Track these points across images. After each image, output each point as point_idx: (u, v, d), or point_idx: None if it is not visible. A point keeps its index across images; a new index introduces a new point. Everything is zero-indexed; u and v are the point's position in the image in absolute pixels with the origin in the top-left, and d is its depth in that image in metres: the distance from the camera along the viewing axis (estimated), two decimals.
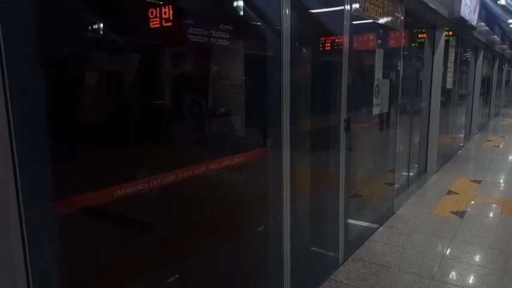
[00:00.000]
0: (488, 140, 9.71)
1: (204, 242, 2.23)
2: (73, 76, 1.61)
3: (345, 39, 3.10)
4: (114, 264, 1.79)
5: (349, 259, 3.40)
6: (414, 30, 5.94)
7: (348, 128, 3.18)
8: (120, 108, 1.82)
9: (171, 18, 1.84)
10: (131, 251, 1.86)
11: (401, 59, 4.48)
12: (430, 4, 4.91)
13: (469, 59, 9.34)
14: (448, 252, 3.53)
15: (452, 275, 3.15)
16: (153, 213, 1.94)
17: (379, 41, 4.02)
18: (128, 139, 1.81)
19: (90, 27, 1.69)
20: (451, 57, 6.81)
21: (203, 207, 2.21)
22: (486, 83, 12.13)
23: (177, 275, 2.12)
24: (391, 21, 4.00)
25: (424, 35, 6.07)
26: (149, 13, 1.82)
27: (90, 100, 1.71)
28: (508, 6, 11.79)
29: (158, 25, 1.85)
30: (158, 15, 1.83)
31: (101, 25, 1.70)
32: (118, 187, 1.63)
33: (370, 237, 3.86)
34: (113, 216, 1.74)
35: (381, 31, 4.05)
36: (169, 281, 2.09)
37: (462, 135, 9.08)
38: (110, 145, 1.73)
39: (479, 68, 10.22)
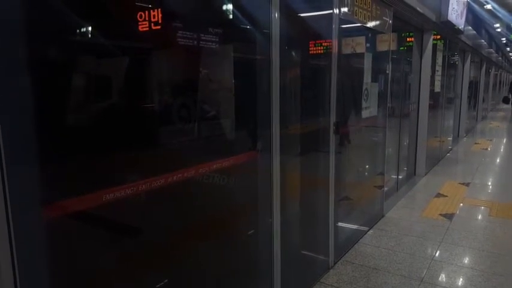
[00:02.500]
0: (476, 143, 9.82)
1: (194, 245, 2.22)
2: (61, 79, 1.59)
3: (334, 43, 3.11)
4: (102, 269, 1.77)
5: (339, 262, 3.41)
6: (402, 34, 5.99)
7: (337, 131, 3.19)
8: (108, 112, 1.80)
9: (160, 21, 1.84)
10: (119, 256, 1.84)
11: (390, 62, 4.51)
12: (418, 8, 4.96)
13: (457, 62, 9.45)
14: (437, 255, 3.56)
15: (442, 277, 3.17)
16: (141, 217, 1.92)
17: (368, 45, 4.05)
18: (116, 143, 1.80)
19: (78, 30, 1.68)
20: (439, 60, 6.88)
21: (193, 210, 2.20)
22: (474, 86, 12.28)
23: (166, 280, 2.10)
24: (380, 25, 4.03)
25: (412, 39, 6.13)
26: (138, 16, 1.82)
27: (80, 103, 1.70)
28: (494, 11, 11.98)
29: (147, 28, 1.84)
30: (147, 19, 1.83)
31: (89, 28, 1.69)
32: (107, 191, 1.62)
33: (360, 240, 3.87)
34: (102, 221, 1.72)
35: (370, 35, 4.08)
36: (158, 286, 2.07)
37: (450, 138, 9.17)
38: (99, 149, 1.71)
39: (467, 71, 10.35)
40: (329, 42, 3.12)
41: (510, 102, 17.70)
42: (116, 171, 1.78)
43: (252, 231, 2.68)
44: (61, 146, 1.55)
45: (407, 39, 6.09)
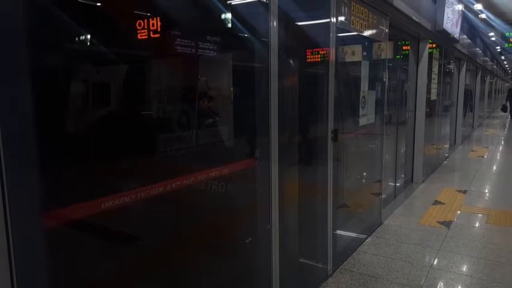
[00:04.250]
0: (472, 150, 9.85)
1: (191, 253, 2.21)
2: (63, 87, 1.60)
3: (331, 51, 3.14)
4: (100, 278, 1.76)
5: (337, 270, 3.40)
6: (399, 43, 6.04)
7: (335, 139, 3.20)
8: (108, 119, 1.81)
9: (159, 30, 1.85)
10: (116, 264, 1.83)
11: (387, 70, 4.54)
12: (414, 17, 5.01)
13: (453, 70, 9.52)
14: (435, 262, 3.56)
15: (440, 285, 3.17)
16: (139, 224, 1.92)
17: (365, 53, 4.08)
18: (115, 150, 1.80)
19: (78, 39, 1.69)
20: (435, 69, 6.94)
21: (191, 218, 2.20)
22: (469, 94, 12.35)
23: None
24: (376, 33, 4.06)
25: (409, 47, 6.17)
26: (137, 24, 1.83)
27: (81, 110, 1.70)
28: (489, 20, 12.09)
29: (146, 37, 1.85)
30: (146, 27, 1.84)
31: (89, 36, 1.70)
32: (105, 199, 1.61)
33: (358, 248, 3.86)
34: (100, 229, 1.72)
35: (366, 43, 4.11)
36: None
37: (447, 146, 9.20)
38: (98, 156, 1.72)
39: (463, 79, 10.42)
40: (326, 50, 3.15)
41: (508, 110, 17.80)
42: (114, 178, 1.78)
43: (250, 239, 2.68)
44: (61, 153, 1.55)
45: (403, 47, 6.13)
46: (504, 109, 18.16)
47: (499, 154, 9.66)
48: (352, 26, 3.44)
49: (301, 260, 3.27)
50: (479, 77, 14.33)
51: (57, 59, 1.60)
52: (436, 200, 5.47)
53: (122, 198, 1.70)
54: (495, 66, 21.17)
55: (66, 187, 1.56)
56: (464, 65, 10.38)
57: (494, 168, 8.03)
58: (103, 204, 1.61)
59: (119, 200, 1.68)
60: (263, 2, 2.32)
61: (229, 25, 2.32)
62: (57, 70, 1.58)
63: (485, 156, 9.04)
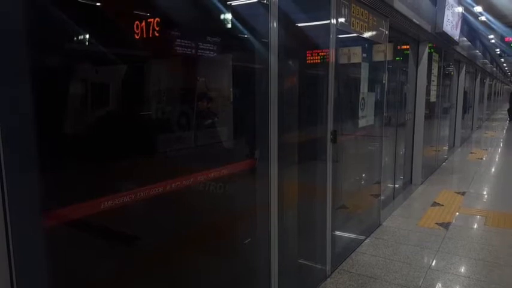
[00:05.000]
0: (471, 153, 9.86)
1: (191, 254, 2.21)
2: (63, 87, 1.60)
3: (331, 53, 3.14)
4: (100, 278, 1.76)
5: (336, 271, 3.40)
6: (398, 47, 6.04)
7: (334, 140, 3.20)
8: (107, 119, 1.81)
9: (159, 30, 1.85)
10: (117, 265, 1.84)
11: (386, 72, 4.55)
12: (414, 19, 5.02)
13: (452, 72, 9.53)
14: (433, 264, 3.56)
15: (438, 286, 3.17)
16: (139, 225, 1.92)
17: (364, 55, 4.08)
18: (115, 150, 1.80)
19: (77, 39, 1.69)
20: (435, 71, 6.94)
21: (191, 219, 2.20)
22: (469, 96, 12.36)
23: None
24: (376, 35, 4.07)
25: (408, 46, 6.16)
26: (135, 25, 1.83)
27: (81, 111, 1.70)
28: (489, 22, 12.12)
29: (145, 37, 1.85)
30: (145, 27, 1.84)
31: (88, 36, 1.70)
32: (105, 199, 1.62)
33: (357, 248, 3.87)
34: (100, 229, 1.72)
35: (366, 45, 4.12)
36: None
37: (446, 148, 9.21)
38: (98, 156, 1.72)
39: (462, 81, 10.43)
40: (326, 51, 3.15)
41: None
42: (114, 178, 1.78)
43: (249, 239, 2.68)
44: (61, 153, 1.55)
45: (403, 46, 6.13)
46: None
47: (497, 156, 9.68)
48: (352, 27, 3.44)
49: (300, 261, 3.27)
50: (478, 79, 14.34)
51: (57, 59, 1.60)
52: (435, 202, 5.48)
53: (121, 198, 1.70)
54: (494, 69, 21.21)
55: (66, 187, 1.56)
56: (464, 67, 10.39)
57: (493, 170, 8.04)
58: (102, 204, 1.61)
59: (118, 200, 1.68)
60: (263, 3, 2.32)
61: (229, 26, 2.33)
62: (57, 70, 1.59)
63: (484, 159, 9.05)
